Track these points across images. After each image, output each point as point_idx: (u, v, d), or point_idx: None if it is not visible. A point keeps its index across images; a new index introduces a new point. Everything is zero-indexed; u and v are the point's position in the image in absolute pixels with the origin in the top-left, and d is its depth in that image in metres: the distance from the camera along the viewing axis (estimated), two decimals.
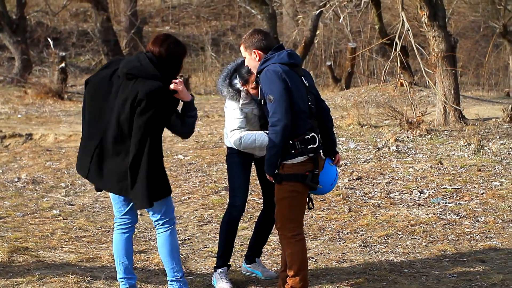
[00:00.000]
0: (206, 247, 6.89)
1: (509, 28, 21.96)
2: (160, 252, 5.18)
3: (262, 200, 6.10)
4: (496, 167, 9.30)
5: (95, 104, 5.03)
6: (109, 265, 6.10)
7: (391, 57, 12.99)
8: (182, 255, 6.56)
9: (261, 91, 5.01)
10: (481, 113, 12.79)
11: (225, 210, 5.85)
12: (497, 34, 22.70)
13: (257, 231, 5.98)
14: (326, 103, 5.37)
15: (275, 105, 4.87)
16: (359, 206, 8.10)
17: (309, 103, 5.01)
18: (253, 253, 5.97)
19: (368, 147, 10.75)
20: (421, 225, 7.36)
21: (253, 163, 5.77)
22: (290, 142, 4.92)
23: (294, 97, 4.92)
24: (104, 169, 4.99)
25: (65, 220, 7.79)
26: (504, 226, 7.28)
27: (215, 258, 5.97)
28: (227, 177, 5.85)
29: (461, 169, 9.31)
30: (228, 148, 5.71)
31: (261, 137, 5.46)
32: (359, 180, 9.16)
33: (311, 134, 4.96)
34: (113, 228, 5.27)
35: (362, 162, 9.99)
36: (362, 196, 8.53)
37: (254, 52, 5.11)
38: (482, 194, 8.32)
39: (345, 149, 10.76)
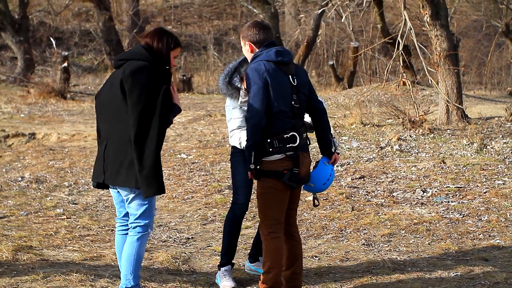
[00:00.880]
0: (209, 246, 6.90)
1: (511, 27, 21.94)
2: (123, 254, 5.04)
3: None
4: (499, 166, 9.30)
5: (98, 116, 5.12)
6: (113, 263, 6.11)
7: (394, 56, 12.99)
8: (185, 253, 6.58)
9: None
10: (483, 112, 12.80)
11: (229, 208, 5.86)
12: (500, 33, 22.69)
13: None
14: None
15: (249, 103, 4.94)
16: (362, 205, 8.11)
17: (293, 103, 5.00)
18: (257, 252, 5.98)
19: (371, 146, 10.75)
20: (424, 223, 7.37)
21: None
22: (269, 140, 4.95)
23: (273, 96, 4.93)
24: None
25: (69, 219, 7.81)
26: (507, 224, 7.28)
27: (218, 257, 5.98)
28: (230, 176, 5.87)
29: (464, 168, 9.32)
30: (232, 147, 5.73)
31: (235, 120, 5.53)
32: (362, 179, 9.17)
33: (291, 134, 4.97)
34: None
35: (365, 161, 9.99)
36: (365, 195, 8.54)
37: (247, 43, 5.16)
38: (485, 193, 8.33)
39: (348, 148, 10.76)
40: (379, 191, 8.64)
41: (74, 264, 6.11)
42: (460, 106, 12.09)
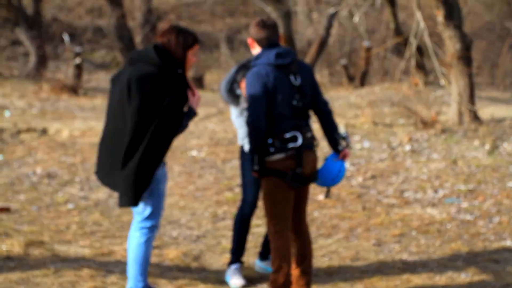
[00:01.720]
0: (220, 244, 6.91)
1: None
2: (129, 254, 5.02)
3: None
4: (511, 168, 9.27)
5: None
6: (123, 259, 6.12)
7: (406, 57, 12.97)
8: (196, 251, 6.59)
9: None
10: (496, 113, 12.76)
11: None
12: None
13: None
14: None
15: (249, 107, 4.94)
16: (373, 205, 8.10)
17: (294, 103, 5.00)
18: (267, 250, 5.98)
19: (383, 146, 10.74)
20: (435, 224, 7.36)
21: None
22: (270, 140, 4.97)
23: (274, 99, 4.94)
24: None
25: (80, 215, 7.84)
26: None
27: (228, 255, 5.99)
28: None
29: (476, 169, 9.29)
30: (241, 146, 5.75)
31: (243, 128, 5.56)
32: (373, 179, 9.16)
33: (292, 133, 4.98)
34: (128, 224, 5.29)
35: (377, 161, 9.98)
36: (376, 195, 8.53)
37: (251, 39, 5.17)
38: (496, 194, 8.30)
39: (359, 148, 10.75)
40: (390, 191, 8.63)
41: (85, 259, 6.13)
42: (473, 107, 12.06)
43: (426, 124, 11.58)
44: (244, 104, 5.56)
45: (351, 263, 6.30)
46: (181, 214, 8.03)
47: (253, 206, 5.80)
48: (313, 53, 21.14)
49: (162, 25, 26.40)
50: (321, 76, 22.76)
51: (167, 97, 4.72)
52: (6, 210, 7.75)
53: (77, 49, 20.34)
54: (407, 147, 10.52)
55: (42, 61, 21.97)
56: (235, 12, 30.29)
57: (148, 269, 5.07)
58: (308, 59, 21.15)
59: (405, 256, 6.45)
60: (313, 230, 7.26)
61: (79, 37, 27.08)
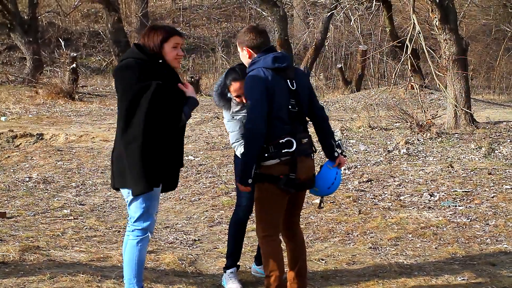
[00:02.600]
0: (216, 248, 6.90)
1: None
2: (124, 258, 5.02)
3: None
4: (507, 171, 9.28)
5: None
6: (119, 264, 6.10)
7: (402, 60, 12.99)
8: (192, 255, 6.58)
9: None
10: (492, 116, 12.78)
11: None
12: (509, 37, 22.66)
13: None
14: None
15: (249, 112, 4.85)
16: (369, 209, 8.10)
17: (290, 108, 4.94)
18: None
19: (379, 150, 10.74)
20: (431, 227, 7.35)
21: None
22: (265, 145, 4.89)
23: (273, 103, 4.86)
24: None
25: (76, 220, 7.82)
26: None
27: (225, 259, 5.98)
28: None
29: (472, 172, 9.29)
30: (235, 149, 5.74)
31: (234, 132, 5.53)
32: (369, 183, 9.16)
33: (287, 139, 4.89)
34: (124, 229, 5.28)
35: (372, 165, 9.98)
36: (372, 198, 8.53)
37: (245, 49, 5.10)
38: (492, 197, 8.31)
39: (355, 151, 10.75)
40: (386, 195, 8.63)
41: (81, 264, 6.11)
42: (468, 111, 12.07)
43: (422, 128, 11.59)
44: (235, 107, 5.54)
45: (347, 266, 6.29)
46: (177, 218, 8.02)
47: (248, 210, 5.78)
48: (309, 57, 21.16)
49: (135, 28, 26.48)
50: (317, 79, 22.78)
51: (153, 83, 4.72)
52: (1, 215, 7.74)
53: (73, 54, 20.34)
54: (403, 151, 10.53)
55: (38, 66, 21.97)
56: (231, 17, 30.31)
57: (142, 272, 5.06)
58: (304, 63, 21.17)
59: (401, 260, 6.44)
60: (309, 234, 7.26)
61: (75, 42, 27.09)
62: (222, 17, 30.47)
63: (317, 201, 8.40)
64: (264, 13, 23.44)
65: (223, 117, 5.78)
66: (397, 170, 9.60)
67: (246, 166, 4.85)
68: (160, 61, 4.86)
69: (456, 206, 8.09)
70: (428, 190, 8.70)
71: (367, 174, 9.53)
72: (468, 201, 8.24)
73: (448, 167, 9.55)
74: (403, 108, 12.95)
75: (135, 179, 4.77)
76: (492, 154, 10.14)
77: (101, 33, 26.87)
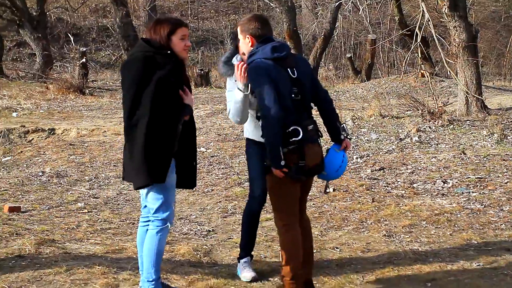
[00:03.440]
0: (230, 238, 6.91)
1: None
2: (144, 248, 5.05)
3: None
4: None
5: None
6: (135, 256, 6.13)
7: (412, 48, 12.96)
8: (207, 246, 6.59)
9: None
10: (503, 103, 12.74)
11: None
12: None
13: None
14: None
15: (260, 100, 4.85)
16: (382, 197, 8.10)
17: (293, 96, 4.95)
18: None
19: (390, 138, 10.73)
20: (445, 214, 7.34)
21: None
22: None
23: (277, 92, 4.87)
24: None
25: (90, 213, 7.85)
26: None
27: (239, 249, 5.99)
28: None
29: (485, 159, 9.27)
30: (246, 139, 5.72)
31: (230, 102, 5.36)
32: (382, 171, 9.15)
33: (293, 128, 4.90)
34: (138, 220, 5.30)
35: (385, 153, 9.97)
36: (385, 186, 8.52)
37: (248, 37, 5.10)
38: (506, 183, 8.28)
39: (367, 140, 10.74)
40: (399, 183, 8.62)
41: (96, 257, 6.14)
42: (480, 97, 12.04)
43: (434, 115, 11.57)
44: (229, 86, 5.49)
45: (362, 254, 6.30)
46: (191, 209, 8.04)
47: (262, 200, 5.77)
48: (319, 47, 21.12)
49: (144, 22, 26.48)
50: (327, 70, 22.75)
51: (157, 76, 4.74)
52: (16, 209, 7.78)
53: (82, 49, 20.38)
54: (415, 138, 10.51)
55: (47, 62, 22.03)
56: (239, 9, 30.28)
57: (161, 262, 5.08)
58: (313, 53, 21.13)
59: (416, 247, 6.44)
60: (323, 223, 7.26)
61: (84, 37, 27.13)
62: (230, 9, 30.45)
63: (330, 190, 8.40)
64: (272, 4, 23.41)
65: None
66: (409, 158, 9.58)
67: (274, 150, 4.85)
68: (169, 52, 4.88)
69: (469, 192, 8.07)
70: (441, 177, 8.69)
71: (379, 162, 9.53)
72: (482, 187, 8.23)
73: (461, 154, 9.53)
74: (414, 96, 12.92)
75: (136, 172, 4.79)
76: (505, 140, 10.11)
77: (110, 27, 26.90)
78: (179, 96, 4.87)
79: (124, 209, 8.15)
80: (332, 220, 7.38)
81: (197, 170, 9.63)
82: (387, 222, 7.21)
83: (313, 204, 8.00)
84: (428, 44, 17.56)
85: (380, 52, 23.44)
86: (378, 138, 10.80)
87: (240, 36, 5.19)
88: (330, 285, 5.53)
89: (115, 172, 9.95)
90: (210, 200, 8.40)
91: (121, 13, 23.17)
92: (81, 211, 7.96)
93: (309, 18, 26.37)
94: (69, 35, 24.96)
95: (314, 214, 7.60)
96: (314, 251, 6.26)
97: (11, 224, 7.12)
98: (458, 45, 12.09)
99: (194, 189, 8.73)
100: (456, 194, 8.04)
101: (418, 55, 13.09)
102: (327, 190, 5.47)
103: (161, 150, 4.80)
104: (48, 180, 9.57)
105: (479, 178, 8.53)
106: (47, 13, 24.18)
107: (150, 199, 4.95)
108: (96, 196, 8.75)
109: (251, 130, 5.57)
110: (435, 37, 12.51)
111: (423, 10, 12.16)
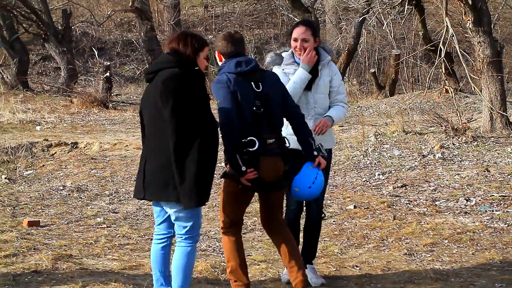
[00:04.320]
0: (249, 255, 6.83)
1: None
2: (174, 264, 5.00)
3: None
4: None
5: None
6: (152, 272, 6.08)
7: (436, 64, 12.85)
8: (224, 263, 6.52)
9: None
10: None
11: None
12: None
13: (303, 236, 5.96)
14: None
15: (219, 110, 5.06)
16: (404, 214, 7.99)
17: (254, 108, 5.13)
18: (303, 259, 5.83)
19: (413, 154, 10.62)
20: (467, 233, 7.22)
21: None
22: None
23: (236, 104, 5.09)
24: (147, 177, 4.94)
25: (109, 228, 7.83)
26: None
27: (258, 266, 5.93)
28: None
29: (509, 176, 9.13)
30: None
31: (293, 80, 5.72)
32: (404, 188, 9.05)
33: (250, 138, 5.08)
34: None
35: (407, 170, 9.87)
36: (407, 203, 8.42)
37: (217, 53, 5.37)
38: None
39: (390, 156, 10.64)
40: (421, 200, 8.51)
41: (113, 273, 6.10)
42: (504, 114, 11.89)
43: (457, 131, 11.44)
44: (288, 60, 5.85)
45: (382, 273, 6.20)
46: (210, 225, 7.98)
47: (297, 212, 5.89)
48: (342, 62, 21.05)
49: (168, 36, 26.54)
50: (351, 85, 22.67)
51: (195, 95, 4.77)
52: (36, 224, 7.77)
53: (107, 63, 20.48)
54: (438, 155, 10.39)
55: (72, 76, 22.17)
56: (263, 23, 30.30)
57: (191, 278, 5.06)
58: (337, 67, 21.06)
59: (437, 266, 6.34)
60: (343, 240, 7.18)
61: (108, 51, 27.28)
62: (254, 24, 30.47)
63: (351, 207, 8.33)
64: (296, 19, 23.39)
65: None
66: (432, 175, 9.47)
67: (232, 158, 5.05)
68: (197, 68, 4.90)
69: (493, 211, 7.95)
70: (464, 195, 8.56)
71: (401, 179, 9.42)
72: (506, 205, 8.10)
73: (484, 171, 9.40)
74: (438, 112, 12.79)
75: (192, 193, 4.75)
76: None
77: (134, 41, 27.02)
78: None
79: (143, 224, 8.11)
80: (352, 238, 7.29)
81: (217, 186, 9.60)
82: (408, 241, 7.11)
83: (334, 221, 7.92)
84: (452, 59, 17.42)
85: (404, 67, 23.31)
86: (401, 155, 10.69)
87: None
88: None
89: None
90: None
91: (146, 28, 23.30)
92: (100, 226, 7.93)
93: (333, 33, 26.29)
94: (93, 49, 25.09)
95: (334, 232, 7.52)
96: (333, 269, 6.21)
97: (30, 239, 7.11)
98: (483, 61, 11.97)
99: (214, 205, 8.73)
100: (479, 213, 7.92)
101: (442, 70, 12.96)
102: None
103: (213, 168, 4.85)
104: (69, 194, 9.58)
105: (503, 196, 8.40)
106: (72, 27, 24.34)
107: (185, 217, 4.91)
108: (115, 211, 8.73)
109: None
110: (459, 53, 12.39)
111: (447, 25, 12.05)
